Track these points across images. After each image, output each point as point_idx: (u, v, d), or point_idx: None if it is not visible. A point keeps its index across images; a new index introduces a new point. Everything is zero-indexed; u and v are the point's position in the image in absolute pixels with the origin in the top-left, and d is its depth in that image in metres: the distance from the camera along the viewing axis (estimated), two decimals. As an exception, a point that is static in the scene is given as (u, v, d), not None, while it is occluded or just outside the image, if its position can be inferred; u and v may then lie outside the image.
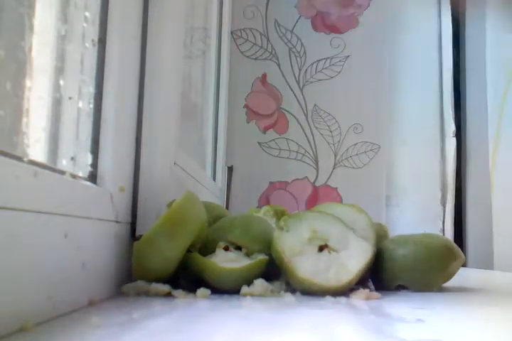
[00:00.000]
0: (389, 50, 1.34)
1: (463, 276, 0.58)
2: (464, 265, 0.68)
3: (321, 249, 0.44)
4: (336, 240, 0.45)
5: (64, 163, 0.40)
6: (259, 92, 1.28)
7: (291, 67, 1.30)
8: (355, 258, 0.44)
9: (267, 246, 0.46)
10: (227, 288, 0.43)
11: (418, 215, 1.30)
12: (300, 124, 1.28)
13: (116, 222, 0.43)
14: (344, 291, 0.43)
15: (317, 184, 1.28)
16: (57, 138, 0.40)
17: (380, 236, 0.53)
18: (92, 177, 0.42)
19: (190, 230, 0.43)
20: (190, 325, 0.30)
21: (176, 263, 0.42)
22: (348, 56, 1.30)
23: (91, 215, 0.37)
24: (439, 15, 1.37)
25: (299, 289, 0.44)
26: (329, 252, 0.44)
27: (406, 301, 0.44)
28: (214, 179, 1.09)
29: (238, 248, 0.46)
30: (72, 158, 0.41)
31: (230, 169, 1.26)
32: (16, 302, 0.26)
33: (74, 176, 0.38)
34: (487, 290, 0.59)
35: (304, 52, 1.30)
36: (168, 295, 0.41)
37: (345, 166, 1.28)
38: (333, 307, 0.38)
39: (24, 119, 0.34)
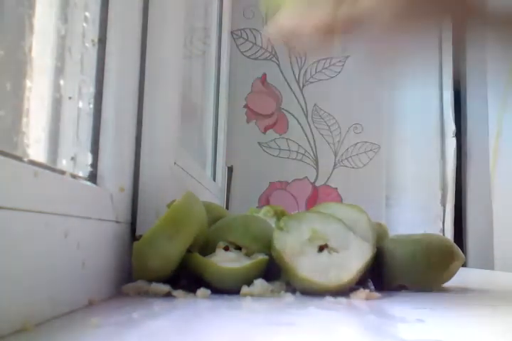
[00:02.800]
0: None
1: (463, 276, 0.58)
2: (464, 265, 0.68)
3: (321, 249, 0.44)
4: (335, 240, 0.45)
5: (64, 163, 0.40)
6: (259, 92, 1.28)
7: (291, 67, 1.29)
8: (355, 258, 0.44)
9: (267, 246, 0.46)
10: (227, 288, 0.43)
11: (418, 215, 1.30)
12: (300, 124, 1.28)
13: (117, 222, 0.43)
14: (344, 291, 0.43)
15: (317, 184, 1.28)
16: (57, 138, 0.40)
17: (380, 236, 0.53)
18: (92, 177, 0.42)
19: (190, 230, 0.43)
20: (190, 325, 0.30)
21: (176, 263, 0.42)
22: (348, 56, 1.30)
23: (91, 215, 0.37)
24: (439, 15, 1.37)
25: (299, 289, 0.44)
26: (329, 252, 0.44)
27: (406, 301, 0.44)
28: (214, 179, 1.09)
29: (238, 248, 0.46)
30: (72, 158, 0.41)
31: (230, 169, 1.26)
32: (16, 303, 0.26)
33: (74, 176, 0.38)
34: (487, 290, 0.59)
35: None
36: (168, 295, 0.41)
37: (345, 166, 1.28)
38: (333, 307, 0.38)
39: (24, 119, 0.34)
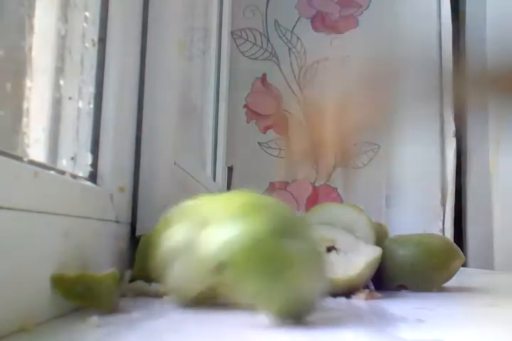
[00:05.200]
0: (389, 50, 1.34)
1: (463, 276, 0.58)
2: (464, 265, 0.68)
3: (328, 250, 0.45)
4: (342, 243, 0.45)
5: (64, 163, 0.40)
6: (259, 92, 1.28)
7: (291, 67, 1.29)
8: (362, 256, 0.45)
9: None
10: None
11: (418, 215, 1.30)
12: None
13: (117, 222, 0.43)
14: (353, 287, 0.43)
15: (317, 184, 1.28)
16: (57, 138, 0.40)
17: (380, 236, 0.53)
18: (92, 177, 0.42)
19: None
20: (189, 325, 0.30)
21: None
22: (348, 56, 1.30)
23: (91, 215, 0.37)
24: (439, 15, 1.37)
25: None
26: (337, 253, 0.45)
27: (406, 301, 0.44)
28: (214, 179, 1.09)
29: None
30: (72, 158, 0.41)
31: (230, 169, 1.26)
32: (16, 302, 0.26)
33: (74, 176, 0.38)
34: (487, 290, 0.59)
35: (304, 52, 1.30)
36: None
37: (345, 166, 1.28)
38: (333, 307, 0.38)
39: (24, 119, 0.34)
